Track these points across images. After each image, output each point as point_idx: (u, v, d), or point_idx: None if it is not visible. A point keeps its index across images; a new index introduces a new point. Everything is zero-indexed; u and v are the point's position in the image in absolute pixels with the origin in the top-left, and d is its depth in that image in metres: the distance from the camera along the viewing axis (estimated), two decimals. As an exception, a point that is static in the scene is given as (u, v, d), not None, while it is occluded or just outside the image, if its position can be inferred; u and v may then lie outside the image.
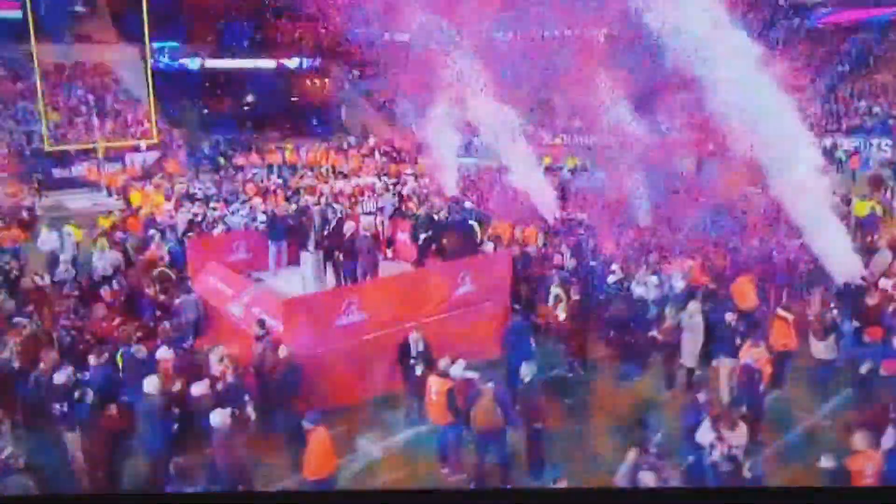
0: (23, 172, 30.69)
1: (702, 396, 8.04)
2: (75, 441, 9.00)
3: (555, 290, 12.28)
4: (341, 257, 12.63)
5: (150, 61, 31.11)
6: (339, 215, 13.79)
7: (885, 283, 11.97)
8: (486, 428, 8.25)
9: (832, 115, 33.95)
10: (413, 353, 10.04)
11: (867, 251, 13.86)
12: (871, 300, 10.90)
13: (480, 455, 8.51)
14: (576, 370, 11.67)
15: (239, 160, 33.29)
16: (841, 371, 10.34)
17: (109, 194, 27.72)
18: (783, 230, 12.92)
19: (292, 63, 45.24)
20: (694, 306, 11.06)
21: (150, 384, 8.66)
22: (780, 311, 10.67)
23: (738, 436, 7.42)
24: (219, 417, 8.10)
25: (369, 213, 15.83)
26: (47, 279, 13.89)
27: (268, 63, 45.14)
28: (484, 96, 17.31)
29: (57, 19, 44.06)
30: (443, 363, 8.76)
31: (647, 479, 6.49)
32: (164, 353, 10.07)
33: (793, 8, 35.00)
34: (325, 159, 32.12)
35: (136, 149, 33.60)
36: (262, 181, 25.76)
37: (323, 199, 18.04)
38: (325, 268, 13.02)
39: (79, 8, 45.10)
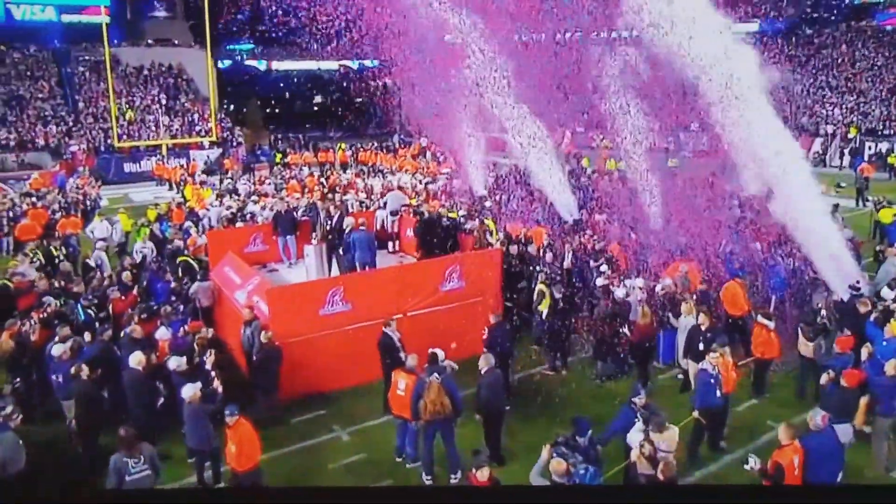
0: (99, 166, 32.95)
1: (639, 400, 8.08)
2: (70, 408, 9.81)
3: (540, 286, 12.45)
4: (342, 251, 13.09)
5: (211, 62, 32.42)
6: (341, 212, 14.29)
7: (887, 293, 11.59)
8: (434, 417, 8.56)
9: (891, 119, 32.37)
10: (397, 344, 10.35)
11: (877, 259, 13.40)
12: (863, 308, 10.56)
13: (428, 443, 8.81)
14: (557, 368, 11.80)
15: (294, 158, 34.46)
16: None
17: (171, 188, 29.26)
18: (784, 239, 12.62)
19: (354, 64, 46.40)
20: (686, 308, 11.10)
21: (134, 359, 9.39)
22: (760, 319, 10.49)
23: (667, 439, 7.43)
24: (189, 391, 8.72)
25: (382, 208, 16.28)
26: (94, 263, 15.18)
27: (331, 65, 46.45)
28: (507, 98, 17.54)
29: (139, 24, 46.88)
30: (410, 360, 9.03)
31: (557, 468, 6.65)
32: (162, 334, 10.88)
33: (858, 9, 33.49)
34: (375, 158, 32.86)
35: (201, 146, 35.28)
36: (303, 179, 26.64)
37: (349, 197, 18.64)
38: (328, 260, 13.56)
39: (159, 13, 47.83)
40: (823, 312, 10.51)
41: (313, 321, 11.14)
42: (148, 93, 38.57)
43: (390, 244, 15.62)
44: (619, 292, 11.56)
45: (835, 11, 41.52)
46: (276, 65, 46.19)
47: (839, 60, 38.24)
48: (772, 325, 10.39)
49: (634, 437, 7.46)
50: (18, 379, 10.77)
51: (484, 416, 9.19)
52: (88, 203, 23.22)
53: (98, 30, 43.49)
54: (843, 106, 34.91)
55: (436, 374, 8.64)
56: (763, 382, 10.58)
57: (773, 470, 6.84)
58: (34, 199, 22.96)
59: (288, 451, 9.83)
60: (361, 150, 34.97)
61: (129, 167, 33.38)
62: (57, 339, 10.28)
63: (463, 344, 10.63)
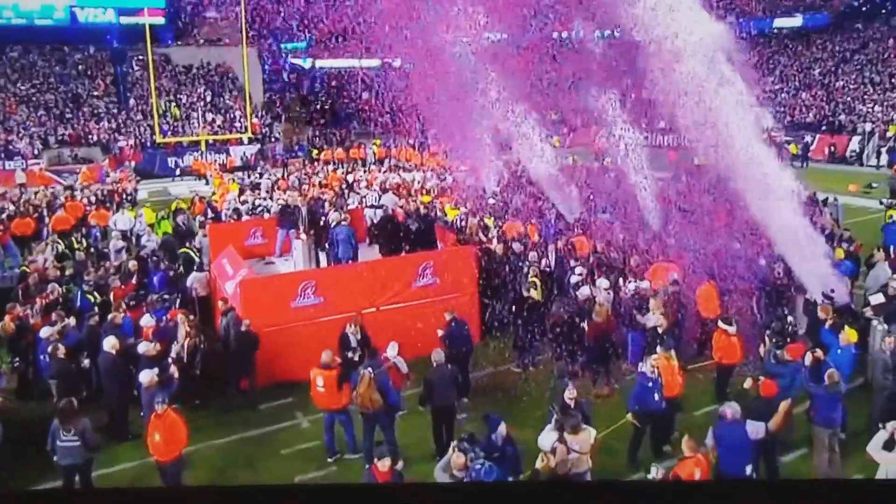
0: (144, 161, 34.35)
1: (568, 393, 8.11)
2: (55, 387, 10.44)
3: (532, 279, 12.54)
4: (328, 245, 13.44)
5: (247, 61, 33.29)
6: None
7: (876, 298, 11.22)
8: (366, 409, 8.80)
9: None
10: (353, 343, 10.62)
11: (867, 264, 12.97)
12: (822, 315, 10.28)
13: (367, 434, 9.05)
14: (525, 366, 11.86)
15: (326, 154, 35.14)
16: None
17: (206, 182, 30.27)
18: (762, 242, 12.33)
19: (396, 62, 46.79)
20: (655, 304, 11.02)
21: (108, 344, 9.94)
22: (721, 323, 10.31)
23: (580, 440, 7.44)
24: (146, 377, 9.19)
25: (372, 207, 16.58)
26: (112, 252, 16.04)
27: (373, 62, 46.96)
28: (509, 100, 17.62)
29: (191, 25, 48.43)
30: (324, 356, 9.22)
31: (456, 461, 6.80)
32: (146, 321, 11.43)
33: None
34: (406, 155, 33.21)
35: (240, 142, 36.33)
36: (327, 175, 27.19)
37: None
38: (316, 254, 13.92)
39: (211, 14, 49.31)
40: (790, 319, 10.23)
41: (285, 312, 11.51)
42: (194, 91, 39.88)
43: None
44: (584, 292, 11.52)
45: (888, 4, 39.60)
46: (319, 63, 47.01)
47: (885, 56, 36.55)
48: (732, 329, 10.21)
49: (546, 437, 7.50)
50: (18, 359, 11.52)
51: (432, 411, 9.36)
52: (125, 196, 24.22)
53: (152, 30, 45.55)
54: (885, 103, 33.40)
55: (370, 368, 8.87)
56: (725, 387, 10.37)
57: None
58: (72, 191, 24.14)
59: (249, 436, 10.26)
60: (394, 146, 35.37)
61: (172, 162, 34.62)
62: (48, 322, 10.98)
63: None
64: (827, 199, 17.40)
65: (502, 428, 7.58)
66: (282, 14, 46.93)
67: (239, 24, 48.70)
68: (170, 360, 9.98)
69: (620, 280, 12.69)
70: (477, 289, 12.88)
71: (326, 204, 15.16)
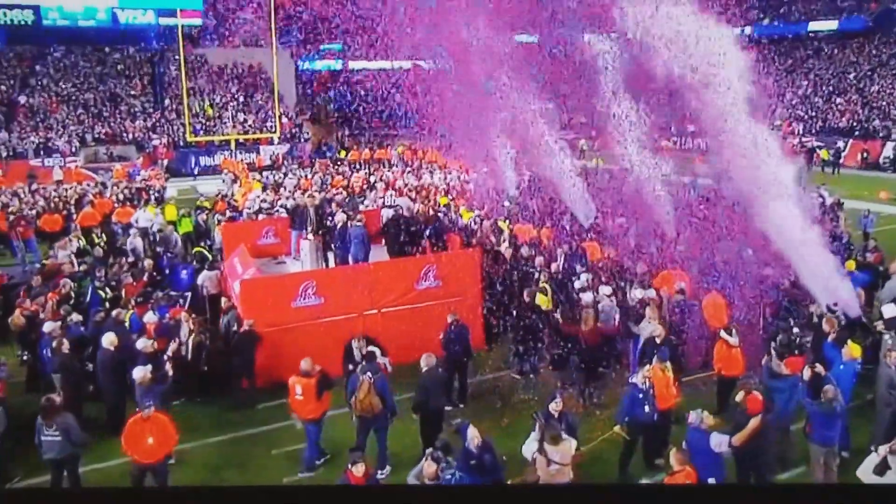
0: (177, 159, 34.94)
1: (553, 405, 7.90)
2: (58, 381, 10.58)
3: (542, 284, 12.34)
4: (335, 245, 13.42)
5: (275, 62, 33.56)
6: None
7: (889, 310, 10.74)
8: (365, 413, 8.71)
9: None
10: (357, 357, 10.50)
11: (885, 276, 12.45)
12: (827, 327, 9.83)
13: (360, 438, 8.95)
14: (525, 372, 11.64)
15: (354, 155, 35.25)
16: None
17: (235, 181, 30.60)
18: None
19: (426, 64, 46.78)
20: (651, 312, 10.72)
21: (106, 340, 10.03)
22: (722, 334, 9.97)
23: (560, 451, 7.23)
24: (140, 373, 9.23)
25: (390, 207, 16.50)
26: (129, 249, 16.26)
27: (405, 64, 47.00)
28: (523, 106, 17.40)
29: (229, 26, 49.11)
30: (304, 364, 9.09)
31: (427, 470, 6.66)
32: (149, 318, 11.54)
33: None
34: (431, 157, 33.14)
35: (270, 141, 36.68)
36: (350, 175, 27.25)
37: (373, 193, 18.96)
38: (324, 254, 13.90)
39: (247, 16, 49.94)
40: (795, 330, 9.83)
41: (286, 312, 11.49)
42: (228, 91, 40.40)
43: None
44: (586, 298, 11.26)
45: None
46: (352, 64, 47.23)
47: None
48: (734, 340, 9.86)
49: (528, 447, 7.32)
50: (27, 352, 11.73)
51: (421, 416, 9.23)
52: (152, 194, 24.60)
53: (190, 31, 46.40)
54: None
55: (369, 374, 8.77)
56: (725, 400, 10.00)
57: None
58: (104, 188, 24.62)
59: (243, 435, 10.25)
60: (421, 148, 35.32)
61: (204, 161, 35.13)
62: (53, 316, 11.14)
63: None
64: (843, 203, 16.76)
65: (472, 433, 7.38)
66: (314, 17, 47.42)
67: (275, 26, 49.37)
68: (165, 357, 9.99)
69: (627, 287, 12.39)
70: (481, 292, 12.70)
71: (334, 205, 15.07)
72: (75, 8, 43.53)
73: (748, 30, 44.09)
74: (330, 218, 13.98)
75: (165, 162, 34.47)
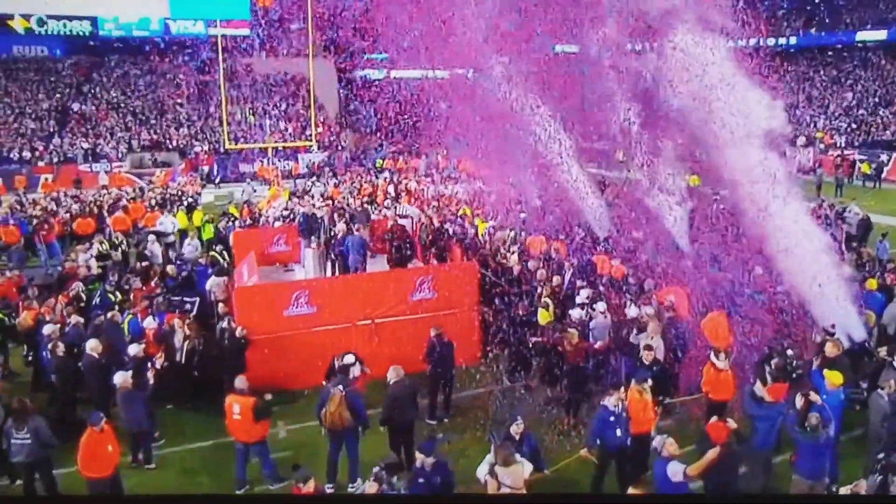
0: (218, 166, 35.73)
1: (514, 427, 7.65)
2: (56, 382, 10.82)
3: (545, 299, 12.09)
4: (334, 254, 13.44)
5: (312, 70, 34.02)
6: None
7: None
8: (335, 427, 8.62)
9: None
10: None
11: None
12: (832, 351, 9.26)
13: (332, 451, 8.85)
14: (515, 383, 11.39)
15: (387, 163, 35.41)
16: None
17: (253, 190, 31.10)
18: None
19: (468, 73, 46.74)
20: (654, 327, 10.35)
21: (90, 345, 10.20)
22: (711, 357, 9.52)
23: (512, 474, 6.96)
24: (120, 378, 9.35)
25: (404, 217, 16.42)
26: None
27: (443, 73, 47.04)
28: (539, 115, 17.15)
29: (274, 36, 50.10)
30: (239, 382, 8.91)
31: (369, 489, 6.54)
32: (149, 323, 11.71)
33: None
34: (463, 167, 32.99)
35: (308, 149, 37.19)
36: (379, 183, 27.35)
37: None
38: (326, 262, 13.92)
39: (294, 26, 50.85)
40: (790, 352, 9.31)
41: (278, 321, 11.51)
42: (270, 99, 41.16)
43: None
44: (576, 314, 10.93)
45: None
46: (394, 73, 47.51)
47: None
48: (723, 363, 9.39)
49: (481, 469, 7.10)
50: (32, 353, 12.05)
51: (389, 427, 9.10)
52: (185, 199, 25.16)
53: (238, 41, 47.55)
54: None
55: (340, 387, 8.68)
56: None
57: None
58: (142, 193, 25.35)
59: (226, 441, 10.26)
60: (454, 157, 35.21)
61: (243, 167, 35.83)
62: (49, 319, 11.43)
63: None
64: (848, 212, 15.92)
65: (421, 456, 7.20)
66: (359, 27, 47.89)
67: (321, 37, 50.22)
68: (149, 364, 10.08)
69: (629, 304, 12.00)
70: (478, 305, 12.49)
71: (336, 215, 15.12)
72: (130, 19, 45.23)
73: (793, 40, 42.81)
74: (331, 228, 14.01)
75: (206, 168, 35.32)
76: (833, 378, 8.14)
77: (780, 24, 42.27)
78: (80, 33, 44.66)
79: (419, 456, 7.26)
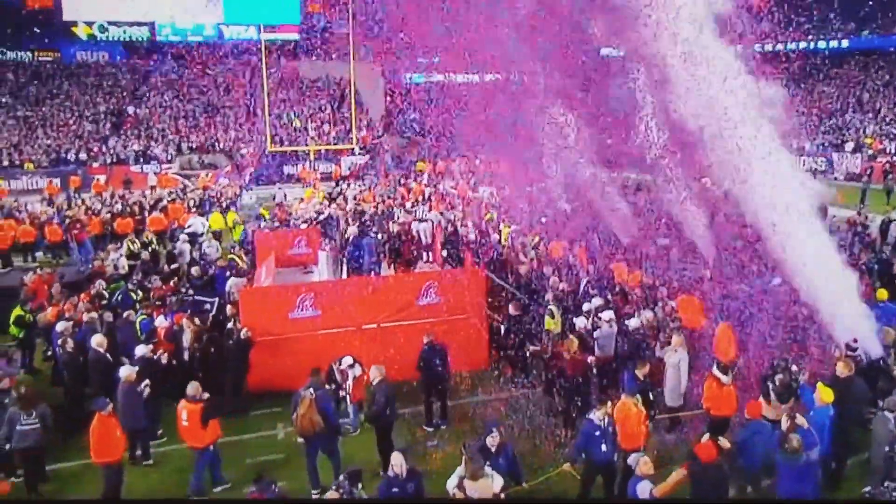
0: (263, 168, 36.46)
1: (490, 439, 7.48)
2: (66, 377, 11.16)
3: (551, 307, 11.89)
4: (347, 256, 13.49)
5: (354, 75, 34.29)
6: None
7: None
8: (305, 431, 8.62)
9: None
10: (336, 377, 10.52)
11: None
12: (843, 371, 8.72)
13: (310, 457, 8.85)
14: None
15: (423, 166, 35.45)
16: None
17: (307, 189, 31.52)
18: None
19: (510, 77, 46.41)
20: (677, 339, 10.03)
21: (95, 341, 10.47)
22: (714, 370, 9.12)
23: (479, 488, 6.79)
24: (125, 371, 9.56)
25: (423, 221, 16.36)
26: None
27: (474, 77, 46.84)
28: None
29: (323, 40, 50.85)
30: (190, 388, 8.92)
31: (330, 496, 6.50)
32: (160, 322, 11.98)
33: None
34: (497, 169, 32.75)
35: (352, 152, 37.58)
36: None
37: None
38: (341, 265, 13.99)
39: (342, 31, 51.48)
40: (794, 368, 8.83)
41: (283, 323, 11.60)
42: (316, 103, 41.79)
43: (424, 255, 15.72)
44: (580, 322, 10.65)
45: None
46: (437, 77, 47.57)
47: None
48: (726, 378, 8.99)
49: (451, 481, 6.96)
50: (51, 349, 12.47)
51: (374, 427, 9.08)
52: (224, 201, 25.73)
53: (287, 45, 48.53)
54: None
55: (311, 390, 8.68)
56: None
57: None
58: (184, 194, 26.06)
59: (223, 442, 10.34)
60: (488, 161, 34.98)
61: (288, 169, 36.44)
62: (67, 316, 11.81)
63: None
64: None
65: (397, 459, 7.08)
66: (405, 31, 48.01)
67: (365, 41, 50.62)
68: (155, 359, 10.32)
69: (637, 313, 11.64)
70: (485, 311, 12.33)
71: (342, 220, 15.20)
72: (186, 24, 46.76)
73: (844, 43, 40.94)
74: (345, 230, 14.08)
75: (252, 170, 36.06)
76: (824, 394, 7.69)
77: (831, 27, 40.60)
78: (139, 39, 46.45)
79: (396, 459, 7.17)
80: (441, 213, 17.51)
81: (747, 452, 7.57)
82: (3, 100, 39.38)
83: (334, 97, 43.24)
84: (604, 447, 7.81)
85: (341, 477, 6.75)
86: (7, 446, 8.64)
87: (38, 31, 46.35)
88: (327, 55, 48.35)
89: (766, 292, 11.06)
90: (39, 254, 20.70)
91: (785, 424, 7.33)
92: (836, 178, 30.68)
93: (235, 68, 45.72)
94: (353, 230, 13.54)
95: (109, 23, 45.94)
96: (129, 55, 47.64)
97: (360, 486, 6.65)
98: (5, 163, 34.37)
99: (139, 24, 46.34)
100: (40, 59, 45.58)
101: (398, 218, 17.24)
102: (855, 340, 9.24)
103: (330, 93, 43.65)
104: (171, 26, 46.81)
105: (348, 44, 49.89)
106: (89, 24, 45.86)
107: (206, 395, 8.94)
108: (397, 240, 13.42)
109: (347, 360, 9.95)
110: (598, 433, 7.82)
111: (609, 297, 12.21)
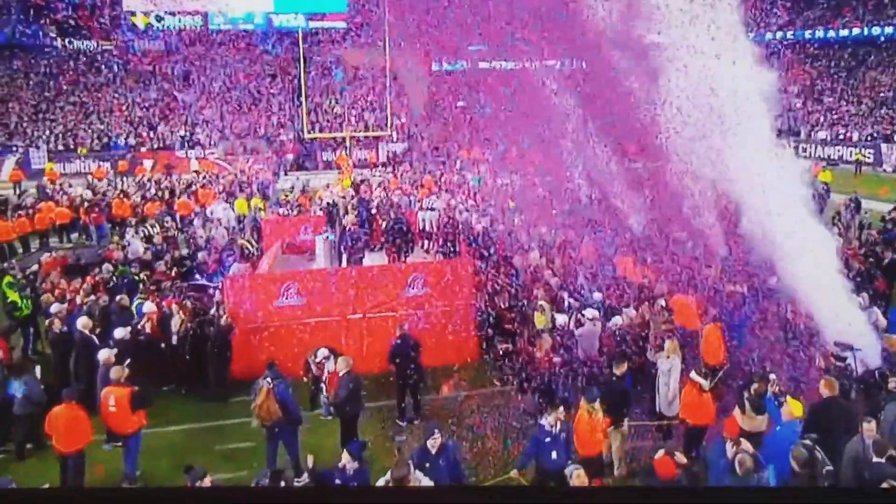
0: (302, 154, 36.72)
1: (431, 442, 7.11)
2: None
3: (541, 302, 11.42)
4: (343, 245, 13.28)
5: (388, 63, 33.98)
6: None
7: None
8: (264, 420, 8.45)
9: None
10: (312, 369, 10.37)
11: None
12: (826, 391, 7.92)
13: (270, 447, 8.67)
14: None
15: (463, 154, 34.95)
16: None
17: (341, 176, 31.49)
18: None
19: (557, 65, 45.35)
20: (671, 346, 9.44)
21: (80, 323, 10.54)
22: (693, 375, 8.50)
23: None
24: (104, 354, 9.58)
25: (429, 209, 15.97)
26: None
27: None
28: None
29: (367, 28, 50.69)
30: (113, 372, 8.77)
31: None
32: (148, 307, 11.97)
33: None
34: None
35: (390, 139, 37.43)
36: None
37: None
38: (339, 252, 13.79)
39: (388, 17, 51.19)
40: (773, 377, 8.11)
41: (267, 311, 11.46)
42: (357, 90, 41.76)
43: (425, 243, 15.40)
44: (560, 319, 10.12)
45: None
46: (481, 65, 46.84)
47: None
48: (706, 384, 8.36)
49: (379, 483, 6.64)
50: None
51: (340, 417, 8.84)
52: (256, 187, 25.92)
53: (334, 33, 48.61)
54: None
55: (269, 379, 8.48)
56: (690, 453, 8.50)
57: None
58: (217, 179, 26.38)
59: (199, 427, 10.34)
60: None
61: (326, 156, 36.55)
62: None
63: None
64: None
65: (345, 457, 6.83)
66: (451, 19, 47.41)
67: (411, 29, 50.12)
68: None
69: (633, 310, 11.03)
70: (473, 302, 11.91)
71: (341, 208, 14.94)
72: (237, 13, 47.46)
73: (887, 30, 38.19)
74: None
75: (291, 156, 36.35)
76: (794, 408, 7.00)
77: (884, 12, 37.96)
78: (192, 27, 47.37)
79: (344, 456, 6.94)
80: (447, 203, 17.07)
81: (715, 473, 6.95)
82: (64, 87, 40.76)
83: (375, 84, 43.11)
84: (554, 455, 7.34)
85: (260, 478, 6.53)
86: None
87: (101, 21, 47.85)
88: (371, 43, 48.28)
89: (759, 292, 10.26)
90: (75, 235, 21.26)
91: (730, 452, 6.67)
92: (884, 171, 28.79)
93: (282, 55, 46.23)
94: (350, 218, 13.27)
95: (166, 12, 47.06)
96: (181, 43, 48.68)
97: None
98: (60, 147, 35.58)
99: (192, 13, 47.32)
100: (103, 47, 47.10)
101: (401, 206, 16.92)
102: (845, 349, 8.40)
103: (371, 80, 43.52)
104: (224, 15, 47.57)
105: (391, 31, 49.91)
106: (147, 13, 47.08)
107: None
108: (397, 228, 13.08)
109: (322, 352, 9.74)
110: (548, 440, 7.36)
111: (603, 292, 11.59)
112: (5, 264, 15.46)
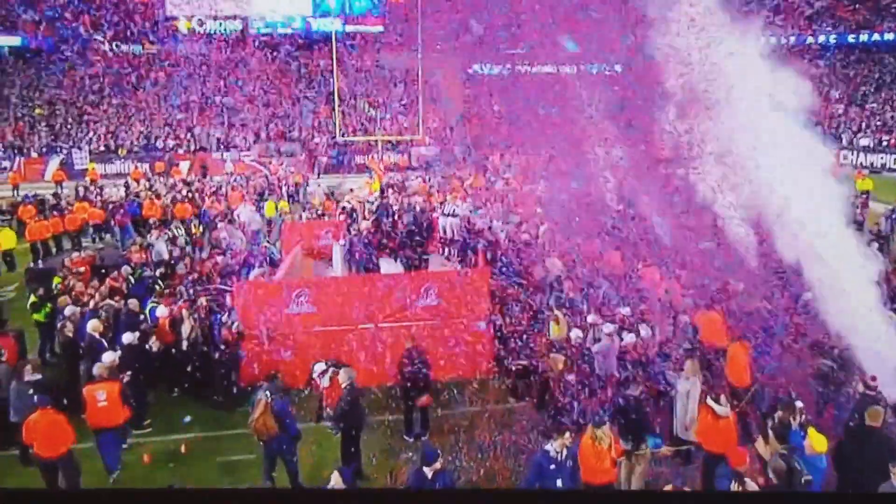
0: (335, 157, 36.68)
1: (427, 469, 6.67)
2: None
3: (557, 313, 10.91)
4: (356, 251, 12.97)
5: (420, 66, 33.68)
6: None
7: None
8: (260, 435, 8.15)
9: None
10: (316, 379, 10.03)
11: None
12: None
13: (266, 460, 8.36)
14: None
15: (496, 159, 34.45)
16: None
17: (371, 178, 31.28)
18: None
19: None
20: (691, 366, 8.84)
21: (90, 326, 10.42)
22: (709, 401, 7.89)
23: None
24: (108, 357, 9.40)
25: (448, 215, 15.54)
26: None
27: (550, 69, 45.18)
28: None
29: (404, 33, 50.61)
30: (97, 368, 8.70)
31: None
32: (161, 312, 11.82)
33: None
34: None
35: (424, 143, 37.16)
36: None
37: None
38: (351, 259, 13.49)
39: (425, 21, 50.99)
40: (799, 405, 7.46)
41: (278, 318, 11.17)
42: (392, 94, 41.62)
43: (445, 249, 14.99)
44: (574, 334, 9.58)
45: None
46: (519, 68, 46.32)
47: None
48: (723, 411, 7.73)
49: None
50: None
51: (340, 430, 8.49)
52: (285, 190, 25.87)
53: (372, 37, 48.62)
54: None
55: (267, 393, 8.17)
56: (709, 481, 7.91)
57: None
58: (246, 181, 26.42)
59: (205, 436, 10.09)
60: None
61: (359, 159, 36.42)
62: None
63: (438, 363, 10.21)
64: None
65: (335, 479, 6.47)
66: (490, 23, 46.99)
67: (448, 34, 49.86)
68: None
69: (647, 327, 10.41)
70: (489, 314, 11.43)
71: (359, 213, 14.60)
72: (276, 18, 47.95)
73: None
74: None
75: (324, 159, 36.33)
76: (816, 443, 6.36)
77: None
78: (233, 32, 47.97)
79: (334, 478, 6.58)
80: (470, 210, 16.62)
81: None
82: (106, 90, 41.54)
83: (410, 88, 42.91)
84: (559, 483, 6.82)
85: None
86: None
87: (145, 26, 48.77)
88: (406, 46, 48.11)
89: (790, 310, 9.56)
90: (108, 236, 21.41)
91: (733, 486, 6.06)
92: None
93: (317, 59, 46.41)
94: (365, 224, 12.94)
95: (207, 17, 47.74)
96: (220, 47, 49.29)
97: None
98: (102, 148, 36.20)
99: (233, 17, 47.94)
100: (148, 52, 47.99)
101: (423, 210, 16.55)
102: (874, 378, 7.69)
103: (407, 84, 43.33)
104: (263, 19, 48.09)
105: (426, 34, 49.69)
106: (189, 18, 47.83)
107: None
108: (416, 234, 12.70)
109: (319, 366, 9.39)
110: (552, 467, 6.85)
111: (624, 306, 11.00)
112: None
